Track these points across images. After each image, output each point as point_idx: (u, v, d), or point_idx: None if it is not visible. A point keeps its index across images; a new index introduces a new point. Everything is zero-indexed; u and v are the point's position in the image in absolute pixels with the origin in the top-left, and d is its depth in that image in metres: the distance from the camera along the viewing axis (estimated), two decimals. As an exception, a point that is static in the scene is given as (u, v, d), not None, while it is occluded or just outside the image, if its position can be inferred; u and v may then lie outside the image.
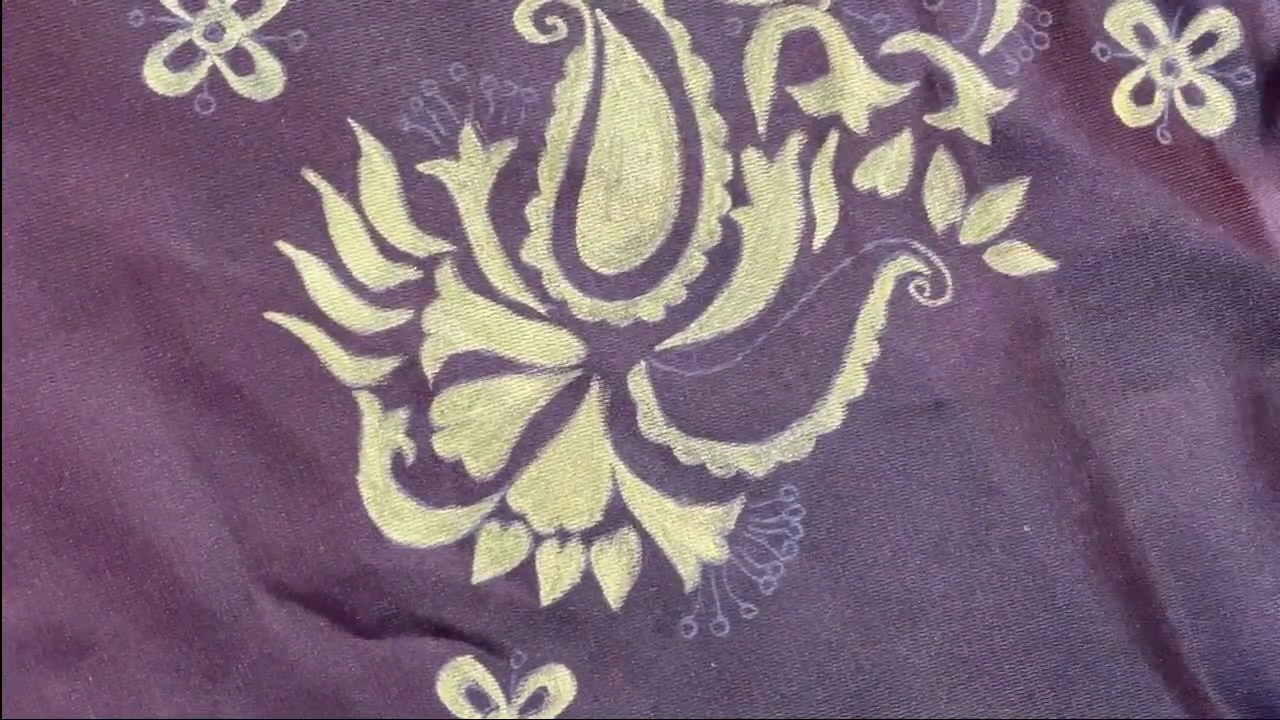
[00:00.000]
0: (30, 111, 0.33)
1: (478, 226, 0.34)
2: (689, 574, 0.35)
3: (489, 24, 0.34)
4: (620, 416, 0.35)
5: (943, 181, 0.35)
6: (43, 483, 0.33)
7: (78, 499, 0.33)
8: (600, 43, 0.34)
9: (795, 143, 0.35)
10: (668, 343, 0.35)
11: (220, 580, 0.34)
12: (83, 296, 0.33)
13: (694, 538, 0.35)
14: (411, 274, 0.34)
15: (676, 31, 0.34)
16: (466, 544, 0.34)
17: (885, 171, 0.35)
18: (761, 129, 0.34)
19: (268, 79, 0.33)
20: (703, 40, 0.34)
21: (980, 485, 0.35)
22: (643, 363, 0.35)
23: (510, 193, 0.34)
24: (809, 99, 0.34)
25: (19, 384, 0.33)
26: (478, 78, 0.34)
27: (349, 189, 0.34)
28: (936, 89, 0.35)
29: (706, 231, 0.34)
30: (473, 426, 0.34)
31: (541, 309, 0.34)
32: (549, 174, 0.34)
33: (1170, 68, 0.35)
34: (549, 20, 0.34)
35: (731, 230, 0.35)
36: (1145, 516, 0.35)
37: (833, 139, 0.35)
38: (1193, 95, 0.35)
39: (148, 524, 0.34)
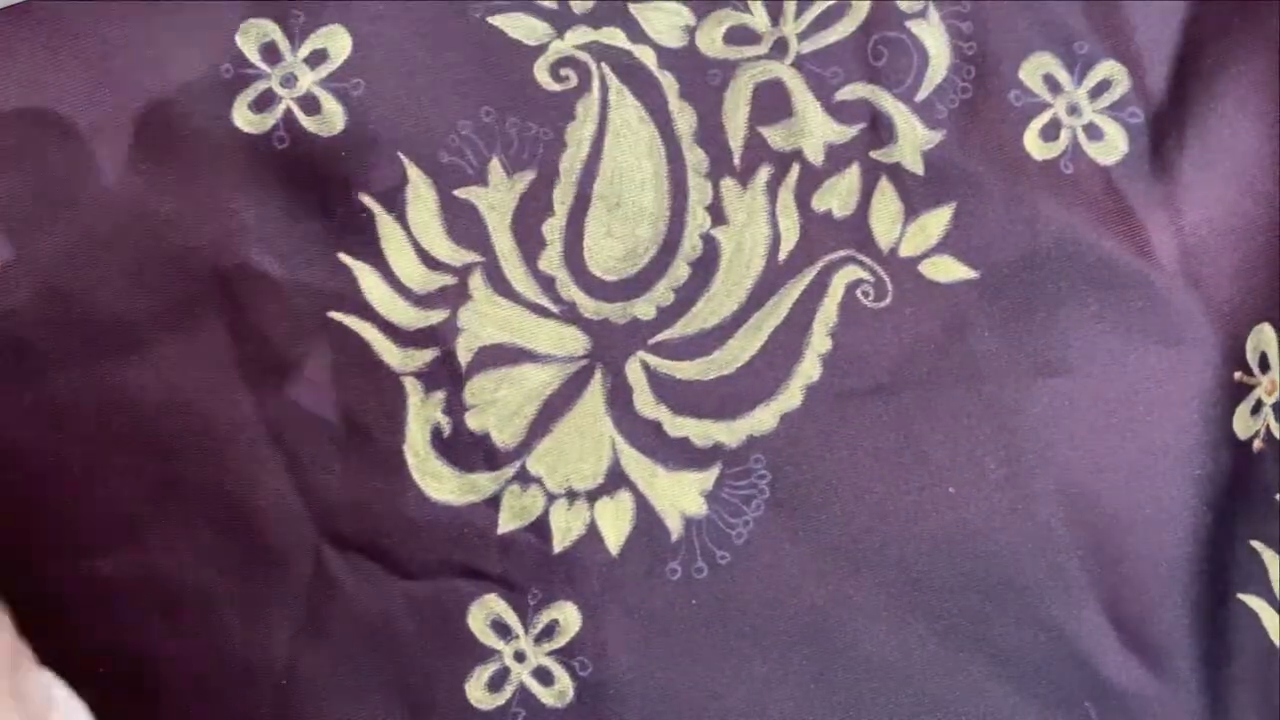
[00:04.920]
0: (141, 151, 0.34)
1: (503, 241, 0.35)
2: (675, 527, 0.36)
3: (513, 75, 0.35)
4: (619, 398, 0.36)
5: (885, 205, 0.36)
6: (150, 458, 0.35)
7: (178, 472, 0.35)
8: (605, 90, 0.35)
9: (764, 173, 0.36)
10: (659, 337, 0.36)
11: (293, 534, 0.35)
12: (182, 302, 0.34)
13: (679, 497, 0.36)
14: (449, 280, 0.35)
15: (667, 81, 0.35)
16: (493, 502, 0.35)
17: (838, 197, 0.36)
18: (736, 161, 0.36)
19: (331, 119, 0.34)
20: (689, 88, 0.35)
21: (915, 454, 0.36)
22: (638, 354, 0.36)
23: (530, 213, 0.35)
24: (776, 137, 0.36)
25: (130, 376, 0.34)
26: (504, 119, 0.35)
27: (398, 210, 0.35)
28: (880, 129, 0.35)
29: (690, 246, 0.36)
30: (498, 405, 0.35)
31: (555, 309, 0.36)
32: (562, 198, 0.35)
33: (1074, 109, 0.35)
34: (563, 72, 0.35)
35: (711, 245, 0.36)
36: (1052, 481, 0.36)
37: (795, 170, 0.36)
38: (1093, 132, 0.36)
39: (234, 491, 0.35)
